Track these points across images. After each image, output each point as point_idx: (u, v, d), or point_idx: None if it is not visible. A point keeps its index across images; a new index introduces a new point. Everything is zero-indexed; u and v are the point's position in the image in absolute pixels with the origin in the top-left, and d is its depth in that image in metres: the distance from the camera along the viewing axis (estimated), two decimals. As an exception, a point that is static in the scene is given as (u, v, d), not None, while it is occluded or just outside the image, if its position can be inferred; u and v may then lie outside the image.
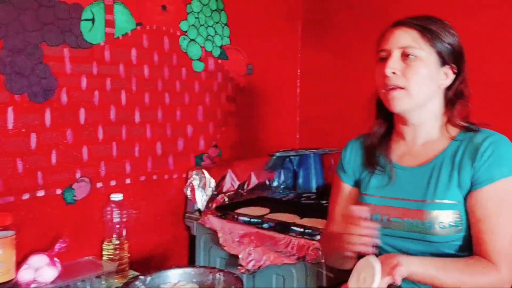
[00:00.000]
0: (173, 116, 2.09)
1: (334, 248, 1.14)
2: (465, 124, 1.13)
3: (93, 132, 1.78)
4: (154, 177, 2.01)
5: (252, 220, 1.90)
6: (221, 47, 2.30)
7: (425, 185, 1.10)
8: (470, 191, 1.06)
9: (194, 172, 2.09)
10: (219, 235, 1.89)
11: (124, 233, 1.75)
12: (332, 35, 2.69)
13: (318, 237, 1.66)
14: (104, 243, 1.73)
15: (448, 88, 1.15)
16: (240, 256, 1.79)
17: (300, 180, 2.57)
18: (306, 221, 1.81)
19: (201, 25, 2.19)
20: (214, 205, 2.06)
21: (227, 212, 1.98)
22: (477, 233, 1.03)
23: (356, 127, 2.55)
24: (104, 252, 1.73)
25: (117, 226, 1.73)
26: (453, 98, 1.14)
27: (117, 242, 1.72)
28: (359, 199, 1.24)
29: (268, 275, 1.77)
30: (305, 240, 1.67)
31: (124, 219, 1.76)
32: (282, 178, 2.57)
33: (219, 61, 2.30)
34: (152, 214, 2.00)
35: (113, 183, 1.85)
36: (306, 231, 1.72)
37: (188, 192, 2.08)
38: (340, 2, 2.66)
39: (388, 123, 1.26)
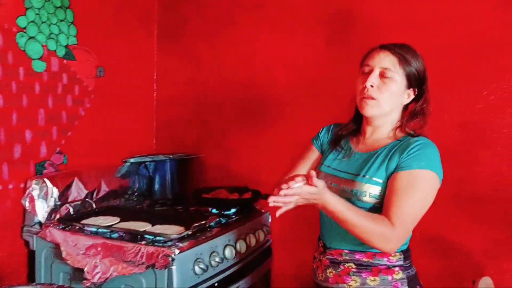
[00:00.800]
0: (8, 120, 1.88)
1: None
2: (410, 131, 1.44)
3: None
4: (-16, 188, 1.79)
5: (99, 230, 1.80)
6: (66, 46, 2.14)
7: (363, 166, 1.42)
8: (392, 173, 1.35)
9: (34, 181, 1.91)
10: (62, 248, 1.75)
11: None
12: (187, 41, 2.72)
13: (170, 243, 1.65)
14: None
15: (407, 105, 1.48)
16: (85, 269, 1.69)
17: (156, 187, 2.52)
18: (157, 228, 1.77)
19: (43, 22, 2.02)
20: (58, 217, 1.90)
21: (72, 223, 1.84)
22: (387, 202, 1.32)
23: (212, 131, 2.66)
24: None
25: None
26: (411, 112, 1.46)
27: None
28: (317, 167, 1.57)
29: (116, 286, 1.69)
30: (155, 247, 1.63)
31: None
32: (137, 185, 2.49)
33: (65, 61, 2.14)
34: (-19, 230, 1.77)
35: None
36: (157, 238, 1.68)
37: (27, 204, 1.89)
38: (193, 10, 2.70)
39: (357, 122, 1.57)
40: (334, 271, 1.43)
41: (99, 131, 2.36)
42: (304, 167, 1.62)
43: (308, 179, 1.21)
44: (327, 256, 1.46)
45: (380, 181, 1.37)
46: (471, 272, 2.02)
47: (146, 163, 2.55)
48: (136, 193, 2.48)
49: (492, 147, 1.98)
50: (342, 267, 1.42)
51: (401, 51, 1.42)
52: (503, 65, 1.94)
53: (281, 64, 2.46)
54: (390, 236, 1.27)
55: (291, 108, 2.44)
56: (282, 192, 1.20)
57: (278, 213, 1.26)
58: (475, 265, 2.02)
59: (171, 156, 2.48)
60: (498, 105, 1.96)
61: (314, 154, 1.64)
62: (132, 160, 2.41)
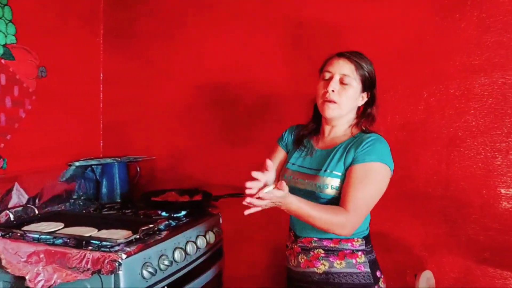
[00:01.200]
0: None
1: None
2: (364, 129, 1.62)
3: None
4: None
5: (41, 236, 1.73)
6: (4, 45, 2.04)
7: (324, 161, 1.59)
8: (349, 166, 1.52)
9: (-31, 187, 1.81)
10: (1, 256, 1.67)
11: None
12: (135, 41, 2.67)
13: (117, 247, 1.61)
14: None
15: (359, 106, 1.66)
16: (27, 278, 1.62)
17: (104, 191, 2.45)
18: (103, 233, 1.73)
19: (-21, 20, 1.92)
20: (-4, 224, 1.81)
21: (12, 230, 1.76)
22: (344, 191, 1.50)
23: (162, 133, 2.63)
24: None
25: None
26: (366, 113, 1.65)
27: None
28: (284, 166, 1.74)
29: (60, 294, 1.63)
30: (101, 253, 1.58)
31: None
32: (83, 189, 2.42)
33: (3, 61, 2.04)
34: None
35: None
36: (103, 243, 1.64)
37: (-39, 211, 1.79)
38: (141, 9, 2.65)
39: (316, 122, 1.73)
40: (305, 257, 1.61)
41: (41, 134, 2.27)
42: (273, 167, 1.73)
43: (277, 185, 1.32)
44: (298, 244, 1.63)
45: (339, 174, 1.55)
46: (413, 266, 2.11)
47: (93, 166, 2.48)
48: (82, 198, 2.41)
49: (431, 146, 2.08)
50: (312, 253, 1.59)
51: (357, 58, 1.60)
52: (442, 68, 2.04)
53: (232, 65, 2.46)
54: (345, 223, 1.45)
55: (243, 110, 2.45)
56: (259, 195, 1.29)
57: (247, 212, 1.36)
58: (417, 259, 2.11)
59: (118, 158, 2.42)
60: (438, 107, 2.06)
61: (280, 154, 1.82)
62: (77, 163, 2.33)
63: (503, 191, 1.96)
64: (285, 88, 2.34)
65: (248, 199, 1.29)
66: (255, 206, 1.32)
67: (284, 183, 1.32)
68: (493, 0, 1.96)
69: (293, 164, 1.70)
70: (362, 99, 1.64)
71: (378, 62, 1.68)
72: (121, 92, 2.70)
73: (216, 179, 2.50)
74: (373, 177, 1.51)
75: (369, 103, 1.66)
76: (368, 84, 1.62)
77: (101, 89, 2.73)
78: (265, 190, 1.29)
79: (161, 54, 2.62)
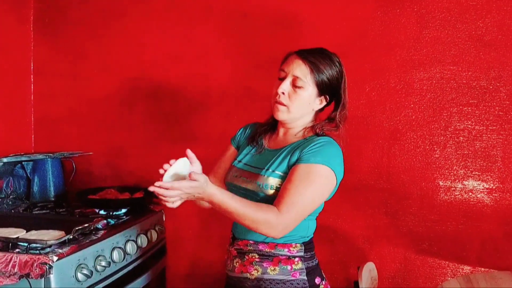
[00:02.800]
0: None
1: None
2: (319, 132, 1.49)
3: None
4: None
5: (-38, 240, 1.57)
6: None
7: (269, 161, 1.47)
8: (292, 166, 1.40)
9: None
10: None
11: None
12: (69, 30, 2.51)
13: (48, 249, 1.49)
14: None
15: (320, 110, 1.53)
16: None
17: (35, 188, 2.29)
18: (32, 234, 1.60)
19: None
20: None
21: None
22: (281, 190, 1.38)
23: (98, 128, 2.48)
24: None
25: None
26: (329, 118, 1.52)
27: None
28: (231, 163, 1.62)
29: (-17, 302, 1.49)
30: (30, 255, 1.46)
31: None
32: (12, 187, 2.24)
33: None
34: None
35: None
36: (31, 245, 1.51)
37: None
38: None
39: (275, 121, 1.59)
40: (240, 261, 1.49)
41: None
42: (221, 167, 1.67)
43: (189, 175, 1.20)
44: (235, 247, 1.52)
45: (281, 173, 1.42)
46: (356, 257, 2.14)
47: (23, 162, 2.31)
48: (11, 196, 2.23)
49: (373, 140, 2.11)
50: (246, 257, 1.47)
51: (315, 59, 1.45)
52: (383, 63, 2.08)
53: (172, 58, 2.37)
54: (274, 223, 1.31)
55: (184, 103, 2.37)
56: (157, 183, 1.19)
57: (169, 205, 1.26)
58: (359, 250, 2.15)
59: (51, 154, 2.27)
60: (379, 101, 2.09)
61: (230, 153, 1.69)
62: (5, 159, 2.16)
63: (441, 183, 2.03)
64: (229, 81, 2.29)
65: (151, 188, 1.19)
66: (164, 197, 1.21)
67: (199, 175, 1.21)
68: (432, -4, 2.01)
69: (239, 161, 1.59)
70: (320, 102, 1.50)
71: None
72: (54, 84, 2.53)
73: (158, 175, 2.39)
74: (315, 180, 1.37)
75: (336, 107, 1.53)
76: (326, 88, 1.47)
77: (32, 80, 2.54)
78: (166, 174, 1.21)
79: (97, 44, 2.47)
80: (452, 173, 2.02)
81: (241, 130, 1.72)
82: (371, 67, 2.10)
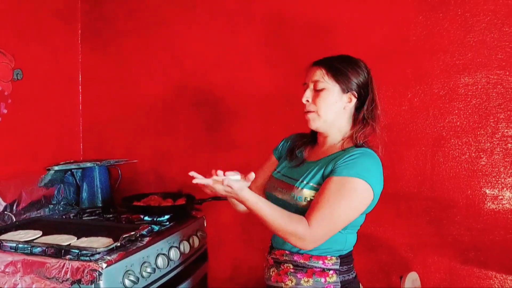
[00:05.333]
0: None
1: None
2: (358, 142, 1.45)
3: None
4: None
5: (19, 245, 1.67)
6: (-23, 48, 1.97)
7: (305, 172, 1.46)
8: (326, 178, 1.38)
9: None
10: (-23, 268, 1.61)
11: None
12: (114, 40, 2.62)
13: (97, 256, 1.56)
14: None
15: (358, 111, 1.48)
16: (4, 289, 1.56)
17: (84, 195, 2.39)
18: (83, 242, 1.67)
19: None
20: (-29, 233, 1.75)
21: (-13, 239, 1.70)
22: (313, 202, 1.36)
23: (143, 135, 2.57)
24: None
25: None
26: (361, 120, 1.47)
27: None
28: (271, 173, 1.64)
29: (39, 306, 1.57)
30: (80, 262, 1.54)
31: None
32: (63, 194, 2.35)
33: (-24, 63, 1.97)
34: None
35: None
36: (82, 252, 1.58)
37: None
38: (119, 8, 2.60)
39: (314, 133, 1.60)
40: (276, 271, 1.50)
41: (18, 138, 2.20)
42: (261, 176, 1.69)
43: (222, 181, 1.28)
44: (272, 256, 1.53)
45: (316, 185, 1.41)
46: (398, 266, 2.10)
47: (73, 170, 2.42)
48: (62, 203, 2.35)
49: (416, 147, 2.07)
50: (282, 267, 1.48)
51: (329, 60, 1.48)
52: (426, 68, 2.03)
53: (214, 65, 2.42)
54: (302, 235, 1.31)
55: (225, 110, 2.41)
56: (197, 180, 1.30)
57: (195, 181, 1.32)
58: (402, 260, 2.11)
59: (99, 162, 2.36)
60: (421, 107, 2.05)
61: (271, 164, 1.70)
62: (56, 167, 2.28)
63: (487, 191, 1.96)
64: (269, 87, 2.31)
65: (195, 178, 1.31)
66: (202, 182, 1.31)
67: (235, 182, 1.28)
68: (476, -1, 1.95)
69: (278, 172, 1.60)
70: (350, 101, 1.47)
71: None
72: (101, 93, 2.64)
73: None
74: (348, 193, 1.34)
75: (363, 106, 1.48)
76: (348, 83, 1.45)
77: (80, 90, 2.66)
78: (231, 177, 1.29)
79: (141, 53, 2.56)
80: (499, 181, 1.95)
81: (283, 141, 1.73)
82: (413, 72, 2.06)
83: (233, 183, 1.28)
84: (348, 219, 1.38)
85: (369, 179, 1.35)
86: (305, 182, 1.43)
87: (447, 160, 2.02)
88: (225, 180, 1.27)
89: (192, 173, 1.32)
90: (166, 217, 2.10)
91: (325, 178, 1.39)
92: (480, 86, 1.96)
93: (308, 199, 1.40)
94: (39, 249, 1.65)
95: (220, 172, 1.30)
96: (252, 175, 1.31)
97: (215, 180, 1.30)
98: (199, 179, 1.30)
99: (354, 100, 1.48)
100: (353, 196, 1.35)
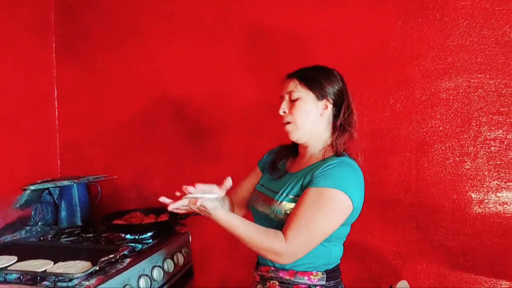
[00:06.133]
0: None
1: None
2: (338, 150, 1.43)
3: None
4: None
5: (-8, 273, 1.59)
6: None
7: (285, 185, 1.43)
8: (305, 188, 1.35)
9: None
10: None
11: None
12: (90, 52, 2.54)
13: (75, 281, 1.49)
14: None
15: (335, 118, 1.46)
16: (-24, 322, 1.48)
17: (63, 214, 2.31)
18: (59, 267, 1.60)
19: None
20: None
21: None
22: (290, 215, 1.33)
23: (123, 150, 2.50)
24: None
25: None
26: (338, 127, 1.45)
27: None
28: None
29: (14, 337, 1.50)
30: (58, 289, 1.47)
31: None
32: (40, 214, 2.27)
33: None
34: None
35: None
36: (59, 278, 1.51)
37: None
38: (95, 19, 2.52)
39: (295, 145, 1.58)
40: (262, 287, 1.46)
41: (-11, 158, 2.11)
42: (243, 186, 1.69)
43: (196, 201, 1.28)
44: (258, 272, 1.50)
45: (295, 197, 1.37)
46: (388, 275, 2.08)
47: (50, 189, 2.34)
48: (39, 223, 2.26)
49: (400, 153, 2.05)
50: (268, 284, 1.44)
51: (301, 71, 1.49)
52: (406, 74, 2.02)
53: (194, 76, 2.37)
54: (279, 250, 1.29)
55: (207, 122, 2.36)
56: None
57: (170, 208, 1.33)
58: (391, 267, 2.08)
59: (77, 180, 2.28)
60: (404, 113, 2.03)
61: (255, 176, 1.68)
62: (32, 187, 2.20)
63: (473, 195, 1.95)
64: (251, 97, 2.27)
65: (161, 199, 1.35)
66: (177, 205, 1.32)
67: (208, 201, 1.28)
68: (455, 3, 1.95)
69: (261, 185, 1.57)
70: (326, 107, 1.44)
71: (341, 69, 1.58)
72: (78, 108, 2.56)
73: (183, 196, 2.39)
74: (324, 204, 1.30)
75: (341, 113, 1.46)
76: (321, 90, 1.43)
77: (56, 105, 2.58)
78: (206, 195, 1.30)
79: (118, 66, 2.49)
80: (484, 185, 1.94)
81: (267, 154, 1.71)
82: (394, 78, 2.04)
83: (206, 203, 1.28)
84: (326, 231, 1.33)
85: (346, 189, 1.31)
86: (284, 194, 1.40)
87: (431, 165, 2.01)
88: (199, 201, 1.27)
89: (161, 199, 1.34)
90: (149, 234, 2.03)
91: (303, 189, 1.35)
92: (461, 90, 1.95)
93: (288, 212, 1.36)
94: (14, 275, 1.57)
95: (191, 189, 1.29)
96: (228, 181, 1.31)
97: (189, 200, 1.29)
98: (173, 204, 1.31)
99: (330, 106, 1.46)
100: (330, 207, 1.30)
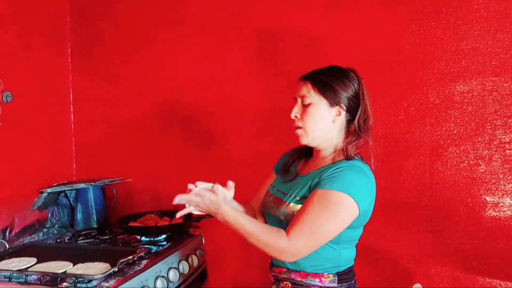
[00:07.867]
0: None
1: None
2: (350, 154, 1.41)
3: None
4: None
5: (13, 275, 1.61)
6: (-35, 71, 1.93)
7: (295, 187, 1.45)
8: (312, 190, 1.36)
9: None
10: (-31, 299, 1.56)
11: None
12: (104, 58, 2.58)
13: (95, 282, 1.52)
14: None
15: (349, 123, 1.45)
16: (-2, 322, 1.51)
17: (79, 217, 2.34)
18: (79, 268, 1.63)
19: None
20: (-38, 263, 1.69)
21: (-21, 270, 1.65)
22: (296, 215, 1.35)
23: (137, 153, 2.53)
24: None
25: None
26: (352, 132, 1.44)
27: None
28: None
29: (35, 337, 1.53)
30: (77, 290, 1.49)
31: None
32: (57, 216, 2.30)
33: (-36, 87, 1.93)
34: None
35: None
36: (79, 279, 1.54)
37: None
38: (109, 26, 2.56)
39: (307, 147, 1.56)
40: None
41: (9, 162, 2.14)
42: (262, 194, 1.66)
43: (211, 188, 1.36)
44: (272, 274, 1.51)
45: (302, 199, 1.38)
46: (401, 278, 2.08)
47: (66, 191, 2.37)
48: (56, 226, 2.29)
49: (414, 156, 2.05)
50: (281, 285, 1.46)
51: (315, 73, 1.45)
52: (420, 77, 2.02)
53: (205, 81, 2.39)
54: (282, 248, 1.31)
55: (220, 126, 2.38)
56: (190, 186, 1.39)
57: (179, 214, 1.41)
58: (405, 271, 2.08)
59: (93, 182, 2.32)
60: (418, 116, 2.04)
61: (271, 179, 1.67)
62: (49, 190, 2.23)
63: (488, 198, 1.95)
64: (262, 101, 2.29)
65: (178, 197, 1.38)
66: (187, 202, 1.38)
67: (219, 188, 1.36)
68: (468, 7, 1.95)
69: (273, 187, 1.58)
70: (339, 114, 1.42)
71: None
72: (93, 112, 2.60)
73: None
74: (329, 207, 1.29)
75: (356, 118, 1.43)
76: (335, 97, 1.41)
77: (72, 109, 2.62)
78: (200, 185, 1.39)
79: (132, 71, 2.53)
80: (499, 188, 1.94)
81: (282, 157, 1.70)
82: (407, 81, 2.04)
83: (219, 190, 1.35)
84: (329, 233, 1.33)
85: (352, 192, 1.30)
86: (292, 196, 1.42)
87: (445, 169, 2.01)
88: (194, 190, 1.36)
89: (178, 214, 1.42)
90: (164, 236, 2.06)
91: (311, 191, 1.36)
92: (475, 94, 1.95)
93: (293, 212, 1.38)
94: (34, 277, 1.60)
95: (191, 186, 1.39)
96: (230, 184, 1.41)
97: (196, 194, 1.36)
98: (179, 212, 1.40)
99: (344, 112, 1.43)
100: (334, 210, 1.30)
